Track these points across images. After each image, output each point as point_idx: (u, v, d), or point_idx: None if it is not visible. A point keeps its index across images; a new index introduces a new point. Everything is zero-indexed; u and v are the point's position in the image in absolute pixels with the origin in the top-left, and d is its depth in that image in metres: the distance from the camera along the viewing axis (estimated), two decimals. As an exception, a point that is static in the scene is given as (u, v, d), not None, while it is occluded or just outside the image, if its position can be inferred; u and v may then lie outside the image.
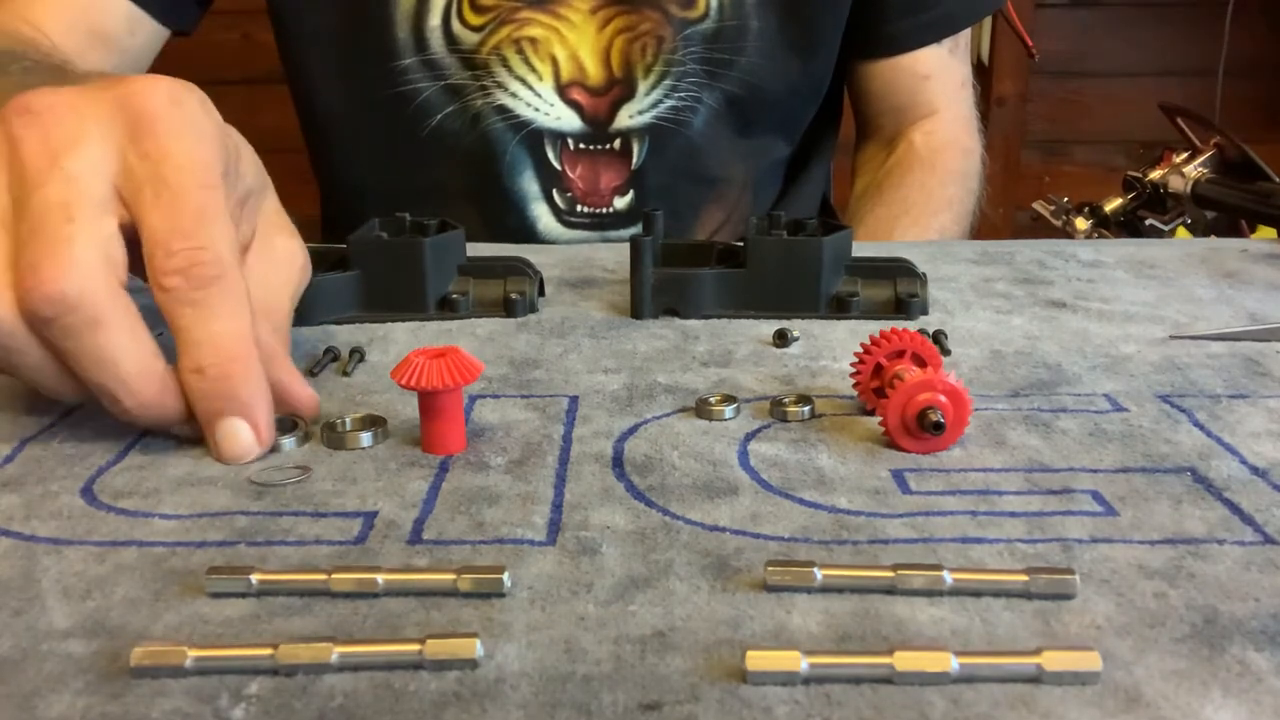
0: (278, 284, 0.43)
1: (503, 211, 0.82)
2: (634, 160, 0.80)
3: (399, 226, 0.57)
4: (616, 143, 0.80)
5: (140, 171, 0.37)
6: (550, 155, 0.80)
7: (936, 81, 0.90)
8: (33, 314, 0.36)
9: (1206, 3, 2.28)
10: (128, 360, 0.37)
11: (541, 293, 0.58)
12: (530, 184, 0.81)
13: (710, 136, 0.82)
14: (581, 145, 0.80)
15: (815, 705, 0.25)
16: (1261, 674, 0.26)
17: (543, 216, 0.82)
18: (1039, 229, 1.51)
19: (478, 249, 0.59)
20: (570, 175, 0.80)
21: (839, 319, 0.54)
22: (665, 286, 0.55)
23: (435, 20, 0.78)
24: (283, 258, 0.44)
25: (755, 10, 0.80)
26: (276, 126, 1.02)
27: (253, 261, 0.42)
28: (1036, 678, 0.25)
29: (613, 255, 0.68)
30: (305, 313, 0.53)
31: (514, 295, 0.55)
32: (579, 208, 0.81)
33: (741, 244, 0.55)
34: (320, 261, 0.57)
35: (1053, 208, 1.39)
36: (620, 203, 0.81)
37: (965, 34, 0.91)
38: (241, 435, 0.38)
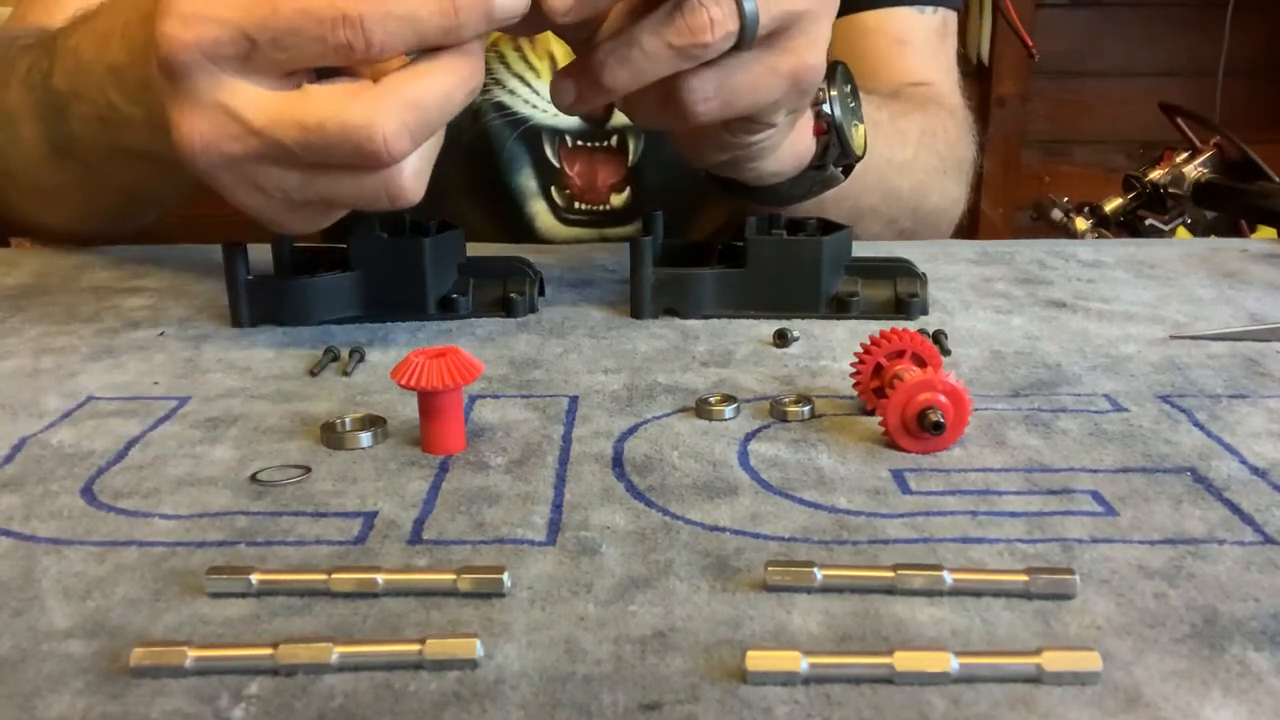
0: None
1: (502, 208, 0.82)
2: (630, 157, 0.80)
3: (399, 226, 0.57)
4: (613, 139, 0.80)
5: None
6: (548, 152, 0.80)
7: (917, 53, 0.83)
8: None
9: (1206, 3, 2.28)
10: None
11: (541, 293, 0.58)
12: (529, 180, 0.81)
13: None
14: (579, 142, 0.80)
15: (815, 705, 0.25)
16: (1261, 674, 0.26)
17: (541, 214, 0.82)
18: (1039, 229, 1.51)
19: (478, 249, 0.59)
20: (568, 172, 0.80)
21: (839, 319, 0.54)
22: (665, 286, 0.55)
23: None
24: None
25: None
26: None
27: None
28: (1036, 678, 0.25)
29: (613, 255, 0.68)
30: (305, 312, 0.53)
31: (514, 295, 0.55)
32: (576, 205, 0.81)
33: (741, 244, 0.55)
34: (320, 261, 0.57)
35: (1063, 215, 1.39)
36: (617, 200, 0.81)
37: (952, 25, 0.86)
38: (508, 2, 0.42)
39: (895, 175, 0.73)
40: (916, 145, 0.75)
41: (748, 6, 0.45)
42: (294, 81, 0.42)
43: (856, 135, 0.59)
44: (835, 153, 0.58)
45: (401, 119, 0.41)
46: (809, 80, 0.50)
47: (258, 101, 0.42)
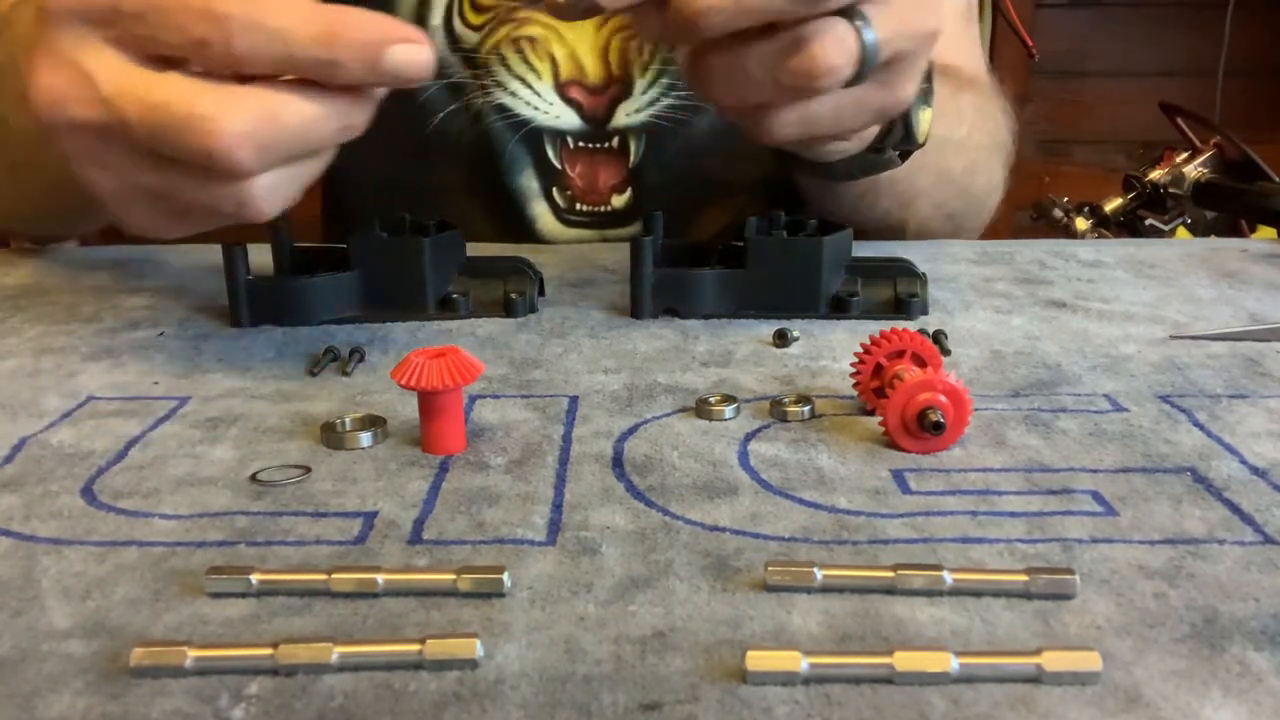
0: None
1: (503, 209, 0.82)
2: (631, 159, 0.80)
3: (399, 226, 0.57)
4: (615, 141, 0.80)
5: None
6: (550, 153, 0.80)
7: (944, 36, 0.81)
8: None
9: (1206, 3, 2.28)
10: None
11: (541, 293, 0.58)
12: (530, 182, 0.81)
13: (715, 136, 0.81)
14: (581, 143, 0.80)
15: (815, 705, 0.25)
16: (1262, 674, 0.26)
17: (542, 215, 0.82)
18: (1039, 229, 1.51)
19: (478, 249, 0.59)
20: (570, 173, 0.80)
21: (839, 319, 0.54)
22: (665, 286, 0.55)
23: (437, 20, 0.78)
24: None
25: None
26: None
27: None
28: (1036, 678, 0.25)
29: (613, 255, 0.68)
30: (305, 312, 0.53)
31: (514, 295, 0.55)
32: (578, 206, 0.81)
33: (741, 244, 0.55)
34: (320, 261, 0.57)
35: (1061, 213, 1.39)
36: (618, 201, 0.81)
37: (975, 8, 0.83)
38: (406, 55, 0.39)
39: (951, 154, 0.72)
40: (970, 123, 0.74)
41: (868, 42, 0.42)
42: (163, 66, 0.40)
43: (923, 120, 0.57)
44: (899, 135, 0.57)
45: (251, 125, 0.39)
46: (895, 112, 0.49)
47: (114, 71, 0.40)
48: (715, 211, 0.84)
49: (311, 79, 0.40)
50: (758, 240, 0.54)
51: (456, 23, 0.78)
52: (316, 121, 0.41)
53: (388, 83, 0.40)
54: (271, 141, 0.40)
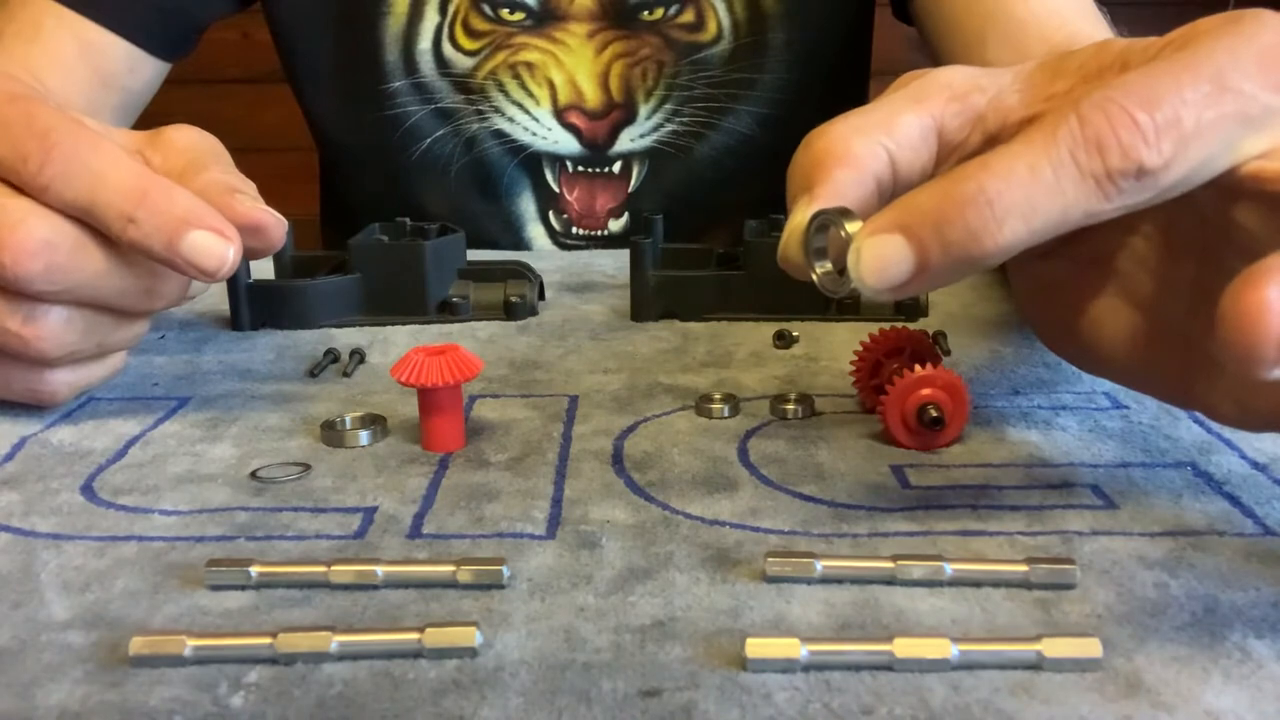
0: (189, 141, 0.42)
1: (499, 233, 0.81)
2: (632, 183, 0.80)
3: (400, 230, 0.57)
4: (616, 166, 0.80)
5: None
6: (549, 177, 0.80)
7: None
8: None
9: (1206, 3, 2.28)
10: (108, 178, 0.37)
11: (542, 296, 0.58)
12: (528, 205, 0.81)
13: (716, 162, 0.80)
14: (580, 168, 0.80)
15: (815, 691, 0.25)
16: (1263, 660, 0.26)
17: (539, 238, 0.82)
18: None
19: (478, 254, 0.59)
20: (567, 197, 0.80)
21: (840, 321, 0.54)
22: (665, 289, 0.55)
23: (425, 44, 0.77)
24: (180, 133, 0.43)
25: (779, 21, 0.77)
26: (277, 125, 1.02)
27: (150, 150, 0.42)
28: (1037, 664, 0.25)
29: (613, 261, 0.68)
30: (306, 316, 0.53)
31: (514, 298, 0.55)
32: (574, 230, 0.81)
33: (741, 248, 0.55)
34: (321, 265, 0.57)
35: None
36: (615, 225, 0.81)
37: None
38: (205, 242, 0.37)
39: None
40: None
41: None
42: None
43: None
44: None
45: (53, 237, 0.37)
46: None
47: None
48: (711, 238, 0.84)
49: (107, 234, 0.38)
50: (756, 243, 0.54)
51: (446, 47, 0.77)
52: (115, 272, 0.39)
53: (180, 266, 0.37)
54: (66, 267, 0.37)
